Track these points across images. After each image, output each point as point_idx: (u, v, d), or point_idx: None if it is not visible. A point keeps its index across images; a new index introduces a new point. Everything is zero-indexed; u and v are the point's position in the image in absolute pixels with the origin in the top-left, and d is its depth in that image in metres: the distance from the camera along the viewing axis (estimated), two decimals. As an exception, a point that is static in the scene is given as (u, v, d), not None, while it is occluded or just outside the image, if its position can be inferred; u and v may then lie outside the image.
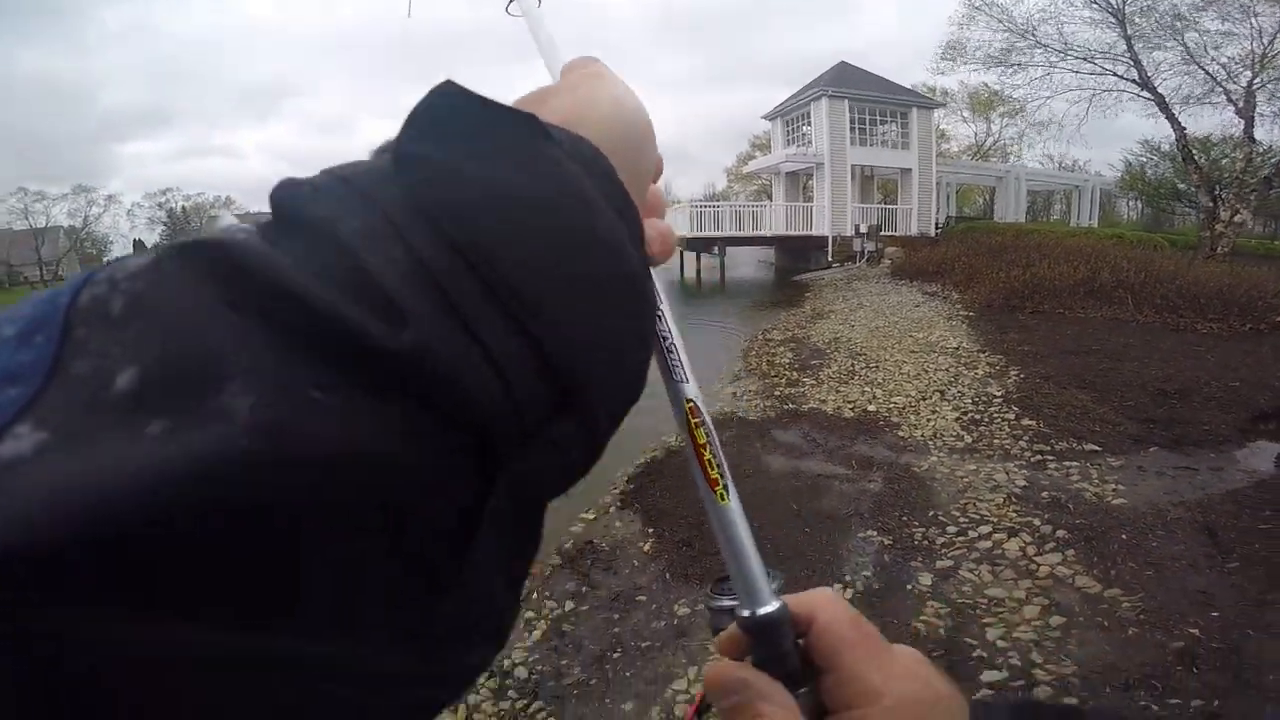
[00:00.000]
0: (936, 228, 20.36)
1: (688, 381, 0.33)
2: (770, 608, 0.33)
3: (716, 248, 19.47)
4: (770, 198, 25.83)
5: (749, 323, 11.44)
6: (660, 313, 0.32)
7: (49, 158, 69.60)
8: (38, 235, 41.45)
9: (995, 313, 9.44)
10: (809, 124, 20.56)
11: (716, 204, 22.61)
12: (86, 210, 45.59)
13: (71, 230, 45.01)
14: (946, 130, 34.18)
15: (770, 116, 23.26)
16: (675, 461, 4.84)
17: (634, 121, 0.25)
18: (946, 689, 0.32)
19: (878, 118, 20.48)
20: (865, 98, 19.98)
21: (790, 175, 22.61)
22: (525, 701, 2.68)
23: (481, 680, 2.79)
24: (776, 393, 6.45)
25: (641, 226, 0.23)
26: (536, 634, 3.09)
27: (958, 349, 7.54)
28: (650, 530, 3.91)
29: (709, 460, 0.33)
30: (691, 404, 0.33)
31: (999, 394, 5.79)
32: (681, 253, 21.39)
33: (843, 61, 21.99)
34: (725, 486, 0.34)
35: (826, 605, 0.33)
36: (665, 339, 0.33)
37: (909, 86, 22.19)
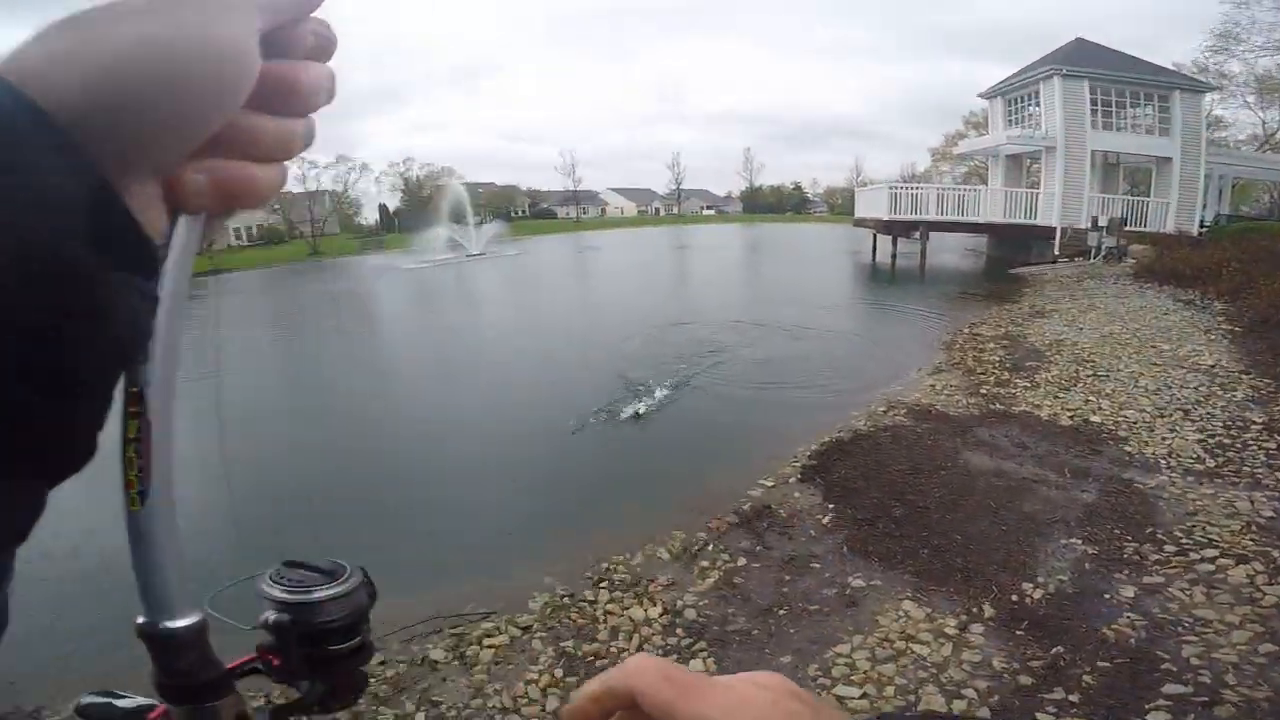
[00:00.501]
0: (1201, 226, 17.00)
1: (148, 362, 0.27)
2: (180, 623, 0.30)
3: (918, 232, 18.00)
4: (984, 181, 23.43)
5: (952, 315, 10.59)
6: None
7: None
8: (310, 198, 49.94)
9: (1271, 330, 7.77)
10: (1037, 104, 18.50)
11: (919, 186, 20.88)
12: (345, 177, 54.10)
13: (334, 194, 53.68)
14: (1223, 116, 27.93)
15: (988, 95, 21.00)
16: (866, 444, 4.84)
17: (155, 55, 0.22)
18: (803, 706, 0.29)
19: (1127, 100, 17.45)
20: (1110, 77, 17.11)
21: (1011, 159, 20.25)
22: (690, 640, 2.88)
23: (655, 615, 3.07)
24: (983, 391, 6.05)
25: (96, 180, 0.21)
26: (708, 582, 3.29)
27: (1213, 367, 6.39)
28: (831, 505, 3.96)
29: (130, 458, 0.28)
30: (138, 390, 0.27)
31: (1260, 420, 4.90)
32: (875, 235, 20.17)
33: (1079, 38, 19.02)
34: (142, 492, 0.28)
35: (637, 673, 0.29)
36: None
37: (1170, 66, 18.65)
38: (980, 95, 21.83)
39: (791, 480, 4.34)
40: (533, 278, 21.46)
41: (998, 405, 5.59)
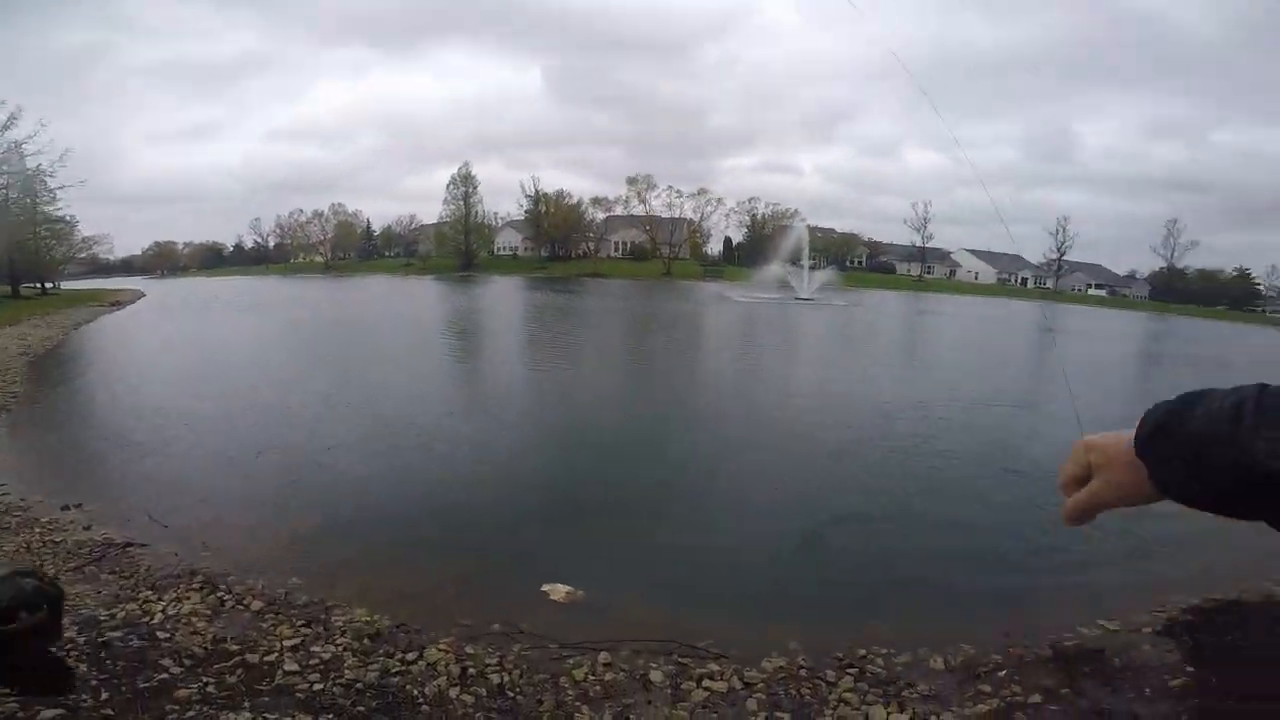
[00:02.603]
0: None
1: None
2: None
3: None
4: None
5: None
6: None
7: (673, 164, 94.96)
8: (673, 224, 56.77)
9: None
10: None
11: None
12: (703, 208, 60.06)
13: (690, 222, 60.02)
14: None
15: None
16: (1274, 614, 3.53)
17: None
18: None
19: None
20: None
21: None
22: None
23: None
24: None
25: None
26: (981, 707, 2.70)
27: None
28: (1191, 669, 2.97)
29: None
30: None
31: None
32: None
33: None
34: None
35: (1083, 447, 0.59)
36: None
37: None
38: None
39: (1145, 630, 3.33)
40: (862, 332, 20.55)
41: None
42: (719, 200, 61.16)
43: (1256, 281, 71.78)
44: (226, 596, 3.46)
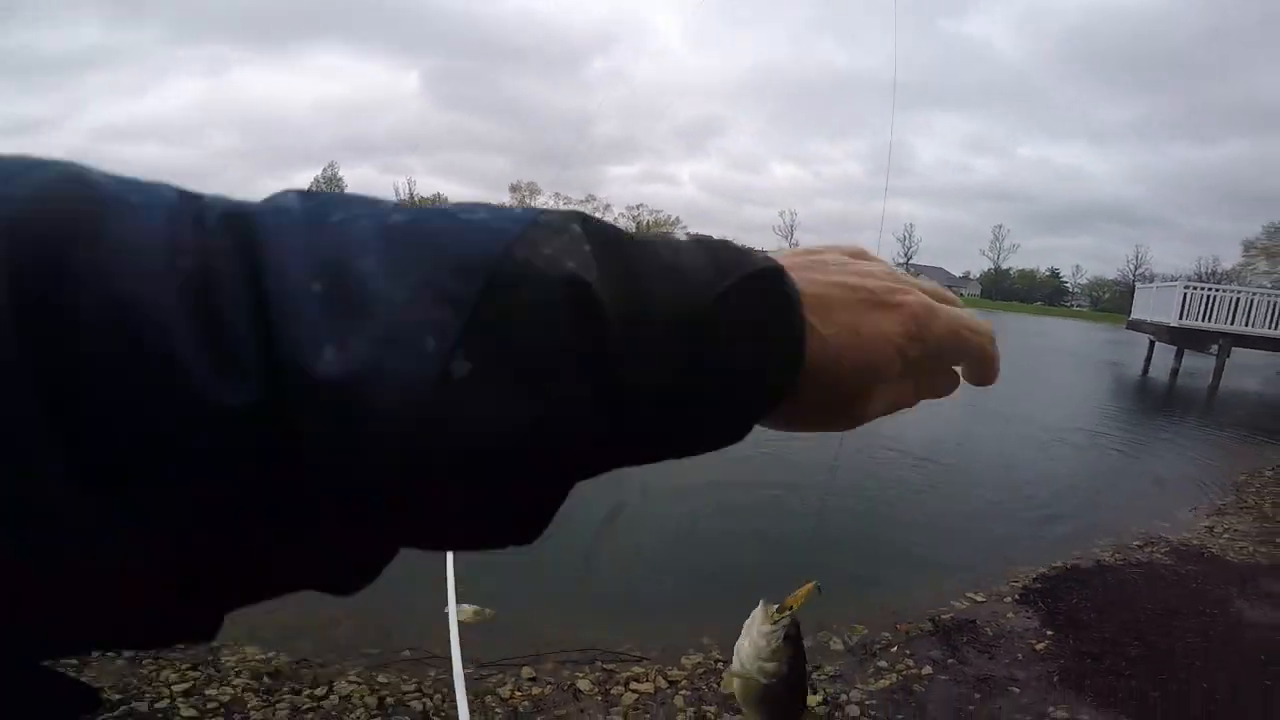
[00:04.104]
0: None
1: None
2: None
3: (1215, 345, 14.34)
4: None
5: (1249, 453, 8.64)
6: None
7: (566, 173, 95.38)
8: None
9: None
10: None
11: (1224, 287, 16.29)
12: (592, 214, 60.34)
13: (580, 227, 60.17)
14: None
15: None
16: (1109, 577, 4.21)
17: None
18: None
19: None
20: None
21: None
22: None
23: (813, 702, 2.82)
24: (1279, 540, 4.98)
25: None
26: (883, 683, 2.99)
27: None
28: (1050, 632, 3.47)
29: None
30: None
31: None
32: (1153, 343, 16.78)
33: None
34: None
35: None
36: None
37: None
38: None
39: (1007, 599, 3.85)
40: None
41: (1299, 559, 4.49)
42: (606, 206, 61.85)
43: (1064, 280, 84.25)
44: (88, 647, 3.07)
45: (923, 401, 0.34)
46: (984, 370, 0.34)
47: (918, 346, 0.29)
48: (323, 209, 0.21)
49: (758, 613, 0.61)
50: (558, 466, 0.23)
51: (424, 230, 0.21)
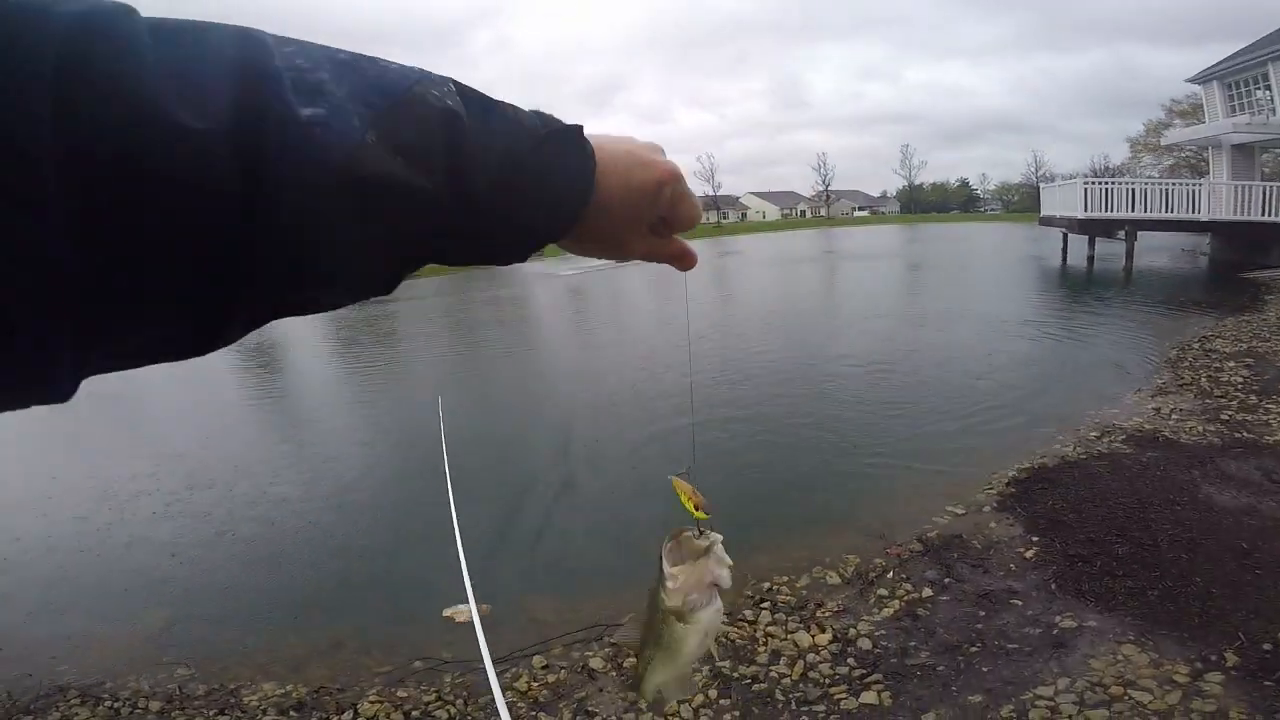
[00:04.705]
0: None
1: None
2: None
3: (1122, 231, 15.75)
4: (1196, 174, 20.40)
5: (1173, 327, 9.17)
6: None
7: None
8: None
9: None
10: (1266, 87, 16.37)
11: (1120, 180, 18.23)
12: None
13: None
14: None
15: (1201, 80, 18.70)
16: (1077, 473, 4.30)
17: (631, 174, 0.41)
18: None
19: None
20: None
21: (1239, 149, 17.47)
22: (864, 671, 2.68)
23: (824, 641, 2.89)
24: (1224, 417, 5.14)
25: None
26: (887, 611, 3.06)
27: None
28: (1036, 539, 3.54)
29: None
30: None
31: None
32: (1066, 236, 18.08)
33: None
34: None
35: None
36: None
37: None
38: (1190, 80, 19.49)
39: (986, 509, 3.93)
40: (677, 282, 21.57)
41: (1244, 434, 4.72)
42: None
43: (974, 189, 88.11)
44: (115, 704, 2.95)
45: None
46: (685, 235, 0.47)
47: (669, 191, 0.42)
48: (281, 38, 0.30)
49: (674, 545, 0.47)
50: (415, 218, 0.32)
51: (359, 64, 0.31)
